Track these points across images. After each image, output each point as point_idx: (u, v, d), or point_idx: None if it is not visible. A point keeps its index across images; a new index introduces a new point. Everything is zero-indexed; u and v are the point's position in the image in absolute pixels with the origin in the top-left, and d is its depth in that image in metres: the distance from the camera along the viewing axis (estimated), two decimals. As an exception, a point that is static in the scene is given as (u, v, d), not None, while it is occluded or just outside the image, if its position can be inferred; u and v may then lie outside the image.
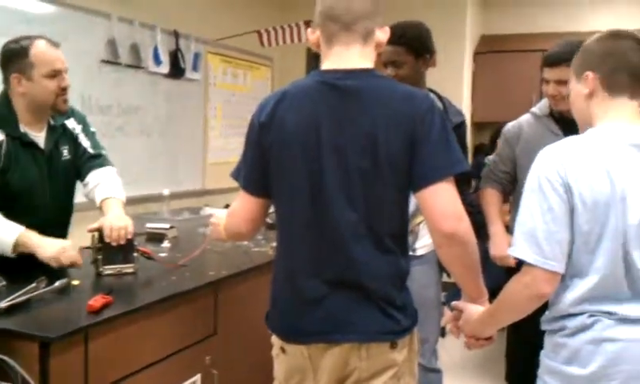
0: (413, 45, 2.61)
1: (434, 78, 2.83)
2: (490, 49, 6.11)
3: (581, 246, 1.59)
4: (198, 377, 2.30)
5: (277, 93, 1.78)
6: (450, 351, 4.30)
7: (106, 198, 2.50)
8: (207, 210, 3.83)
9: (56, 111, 2.44)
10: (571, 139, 1.65)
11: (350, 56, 1.72)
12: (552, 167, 1.59)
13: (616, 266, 1.57)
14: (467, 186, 2.97)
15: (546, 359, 1.71)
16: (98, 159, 2.60)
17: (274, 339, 1.83)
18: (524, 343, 2.18)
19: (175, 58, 4.61)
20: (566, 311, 1.63)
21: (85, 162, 2.57)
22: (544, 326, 1.72)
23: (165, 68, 4.52)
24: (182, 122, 4.76)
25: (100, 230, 2.37)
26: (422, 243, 2.66)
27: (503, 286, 1.68)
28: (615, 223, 1.56)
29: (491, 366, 4.29)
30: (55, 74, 2.37)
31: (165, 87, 4.57)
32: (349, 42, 1.72)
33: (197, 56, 4.82)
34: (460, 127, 2.76)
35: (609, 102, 1.66)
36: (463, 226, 1.62)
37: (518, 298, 1.64)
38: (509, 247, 1.67)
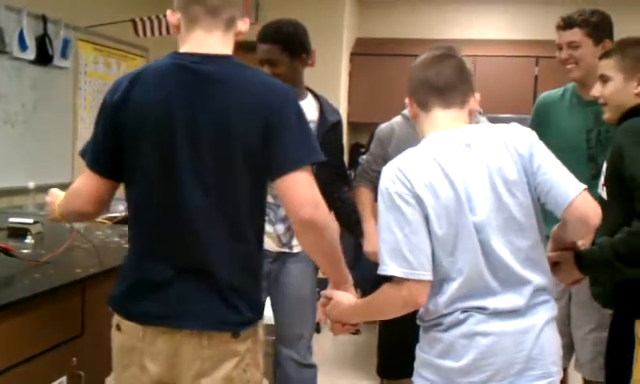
0: (288, 43, 2.60)
1: (311, 77, 2.86)
2: (365, 51, 6.26)
3: (440, 251, 1.67)
4: (63, 379, 2.20)
5: (131, 73, 1.74)
6: (324, 347, 4.38)
7: None
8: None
9: None
10: (408, 152, 1.75)
11: (211, 42, 1.71)
12: (398, 182, 1.68)
13: (477, 263, 1.67)
14: (344, 183, 3.03)
15: (421, 353, 1.78)
16: None
17: (115, 317, 1.80)
18: (395, 337, 2.25)
19: (43, 43, 4.36)
20: (440, 312, 1.71)
21: None
22: (419, 322, 1.79)
23: (31, 54, 4.27)
24: (50, 112, 4.53)
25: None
26: None
27: (375, 279, 1.74)
28: (466, 223, 1.66)
29: (363, 360, 4.42)
30: None
31: (31, 74, 4.32)
32: (211, 28, 1.71)
33: (66, 43, 4.59)
34: (337, 126, 2.82)
35: (426, 118, 1.81)
36: (320, 212, 1.66)
37: (393, 305, 1.71)
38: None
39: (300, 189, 1.65)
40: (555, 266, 1.93)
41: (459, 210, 1.66)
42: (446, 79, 1.78)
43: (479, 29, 6.17)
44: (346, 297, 1.85)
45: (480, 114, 3.59)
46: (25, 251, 2.59)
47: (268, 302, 2.85)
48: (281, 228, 2.73)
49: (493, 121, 3.01)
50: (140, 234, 1.76)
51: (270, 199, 2.62)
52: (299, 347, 2.79)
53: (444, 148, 1.71)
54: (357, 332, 4.99)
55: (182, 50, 1.73)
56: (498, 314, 1.67)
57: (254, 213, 1.75)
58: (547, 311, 1.74)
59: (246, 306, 1.73)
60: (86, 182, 1.82)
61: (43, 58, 4.37)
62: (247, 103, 1.65)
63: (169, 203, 1.68)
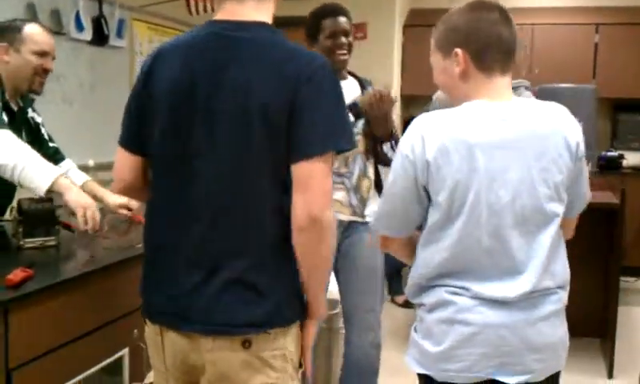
0: (349, 18, 2.81)
1: (364, 50, 2.84)
2: (419, 22, 6.15)
3: (439, 220, 1.57)
4: (125, 351, 2.26)
5: (158, 47, 1.65)
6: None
7: (88, 181, 2.82)
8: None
9: (31, 90, 2.56)
10: (443, 114, 1.59)
11: (244, 10, 1.58)
12: (411, 141, 1.57)
13: (478, 241, 1.55)
14: None
15: (412, 330, 1.71)
16: (60, 154, 2.85)
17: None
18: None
19: (99, 24, 4.44)
20: (426, 283, 1.64)
21: (52, 154, 2.75)
22: (410, 298, 1.75)
23: (87, 34, 4.35)
24: (107, 91, 4.61)
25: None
26: (372, 209, 2.67)
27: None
28: (476, 200, 1.53)
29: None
30: (42, 53, 2.53)
31: (88, 54, 4.41)
32: None
33: (121, 23, 4.66)
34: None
35: (482, 80, 1.60)
36: (329, 214, 1.49)
37: None
38: None
39: (314, 181, 1.46)
40: None
41: (473, 185, 1.52)
42: (512, 42, 1.60)
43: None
44: None
45: (526, 88, 3.51)
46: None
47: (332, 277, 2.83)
48: (353, 197, 2.71)
49: (552, 90, 2.95)
50: (152, 225, 1.64)
51: (342, 168, 2.65)
52: (370, 321, 2.76)
53: (480, 119, 1.55)
54: (411, 306, 4.98)
55: (216, 17, 1.62)
56: (484, 300, 1.56)
57: (276, 198, 1.53)
58: (549, 304, 1.60)
59: (261, 303, 1.52)
60: (116, 158, 1.70)
61: (99, 38, 4.45)
62: (273, 74, 1.48)
63: (181, 189, 1.55)
